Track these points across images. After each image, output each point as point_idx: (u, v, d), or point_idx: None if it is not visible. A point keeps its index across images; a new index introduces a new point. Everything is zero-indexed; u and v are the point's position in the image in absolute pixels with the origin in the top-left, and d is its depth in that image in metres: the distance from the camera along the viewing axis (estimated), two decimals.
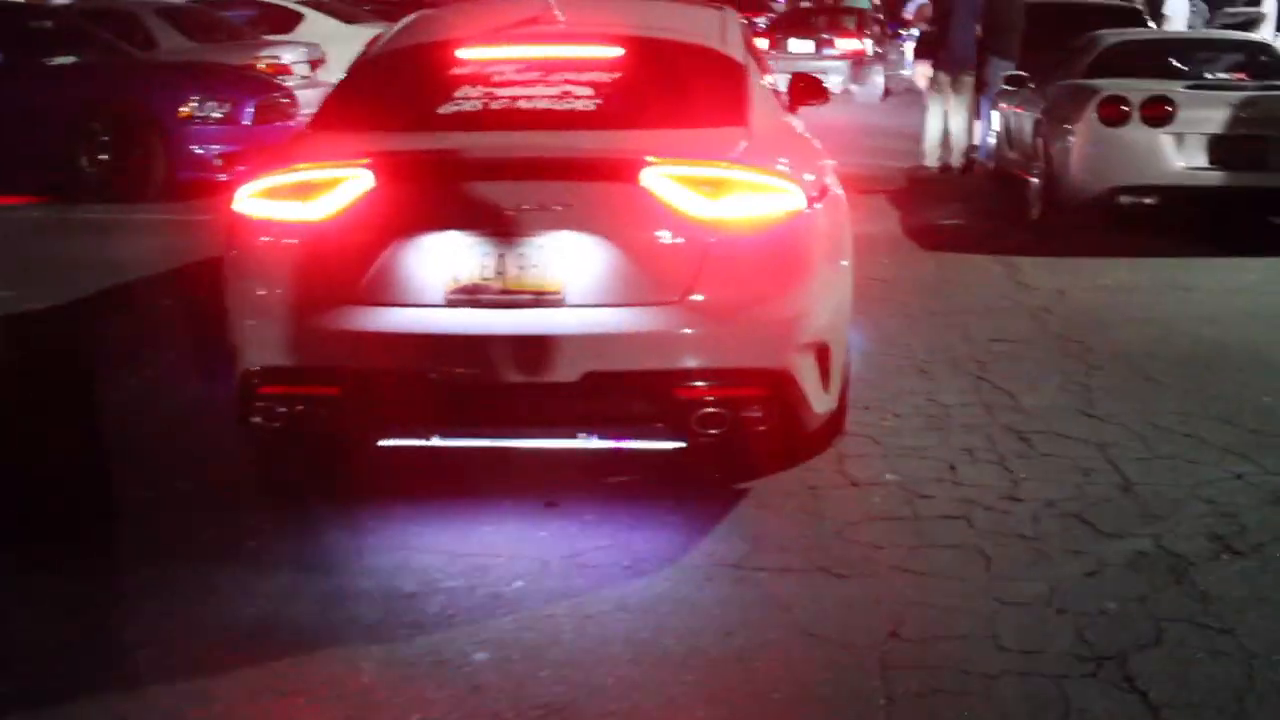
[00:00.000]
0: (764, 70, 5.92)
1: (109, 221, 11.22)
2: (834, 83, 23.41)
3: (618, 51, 5.41)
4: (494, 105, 5.17)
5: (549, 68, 5.32)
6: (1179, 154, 9.75)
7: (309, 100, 12.67)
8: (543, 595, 4.29)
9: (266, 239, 4.74)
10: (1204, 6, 26.96)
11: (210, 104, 12.37)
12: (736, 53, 5.59)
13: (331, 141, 5.06)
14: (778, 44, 24.76)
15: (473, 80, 5.29)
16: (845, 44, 24.77)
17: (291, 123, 12.45)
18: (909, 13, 27.23)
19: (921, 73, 21.17)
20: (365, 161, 4.66)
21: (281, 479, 5.39)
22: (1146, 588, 4.28)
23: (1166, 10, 24.11)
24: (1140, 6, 23.07)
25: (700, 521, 4.84)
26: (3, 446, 5.55)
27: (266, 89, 13.24)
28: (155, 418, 6.11)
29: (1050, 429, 5.77)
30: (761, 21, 28.59)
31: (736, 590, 4.30)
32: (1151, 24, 18.96)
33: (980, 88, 14.46)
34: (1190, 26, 23.79)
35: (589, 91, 5.16)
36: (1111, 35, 12.30)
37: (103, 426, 5.85)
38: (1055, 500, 4.98)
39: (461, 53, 5.49)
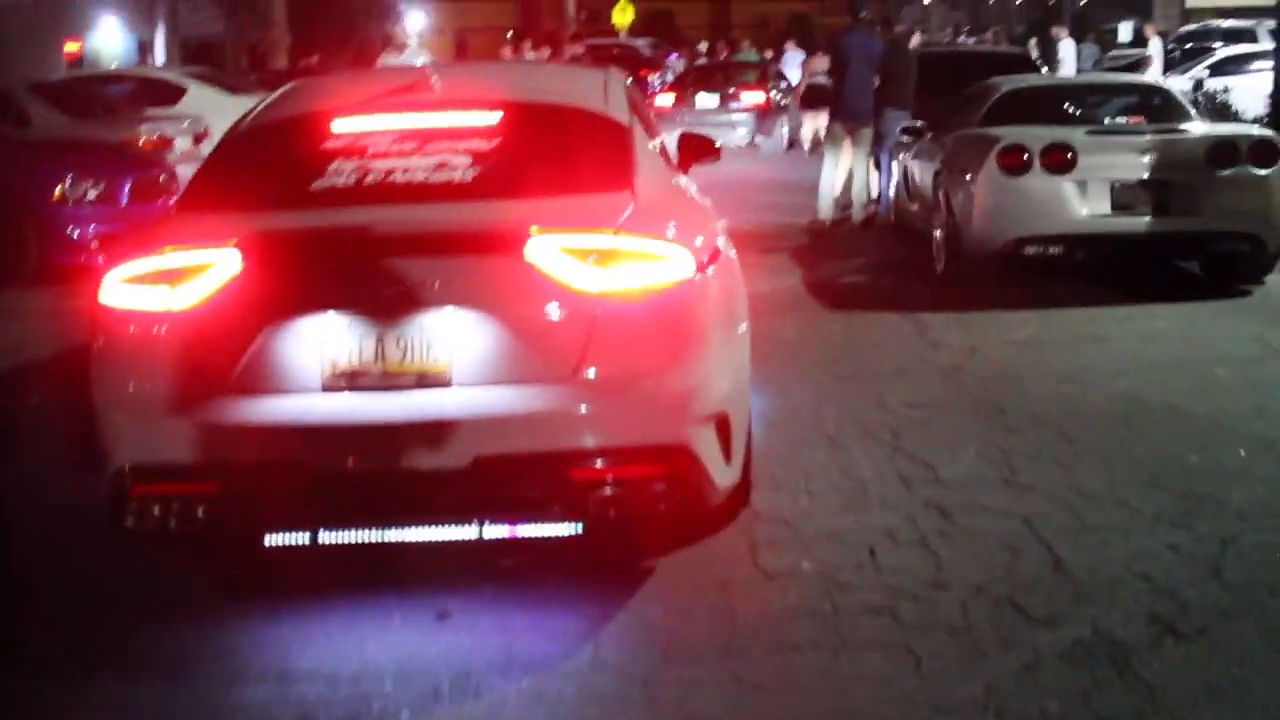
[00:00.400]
0: (650, 131, 5.70)
1: None
2: (740, 135, 23.43)
3: (496, 118, 5.17)
4: (369, 178, 4.88)
5: (426, 137, 5.07)
6: (1082, 201, 9.56)
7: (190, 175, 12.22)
8: None
9: (133, 328, 4.49)
10: (1096, 49, 27.31)
11: (84, 183, 11.83)
12: (620, 115, 5.35)
13: (198, 222, 4.76)
14: (684, 99, 24.75)
15: (346, 153, 5.02)
16: (750, 97, 24.80)
17: (172, 200, 11.96)
18: (785, 64, 27.39)
19: (809, 124, 21.28)
20: (232, 242, 4.41)
21: (154, 589, 4.97)
22: (1088, 681, 3.97)
23: (1061, 54, 24.40)
24: (1034, 51, 23.35)
25: (604, 626, 4.46)
26: None
27: (145, 166, 12.76)
28: (19, 522, 5.61)
29: (972, 502, 5.47)
30: (655, 80, 28.54)
31: (647, 712, 3.92)
32: (1045, 69, 19.07)
33: (877, 139, 14.31)
34: (1084, 69, 24.06)
35: (467, 161, 4.92)
36: (1007, 82, 12.17)
37: None
38: (984, 584, 4.66)
39: (334, 124, 5.21)
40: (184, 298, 4.39)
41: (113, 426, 4.50)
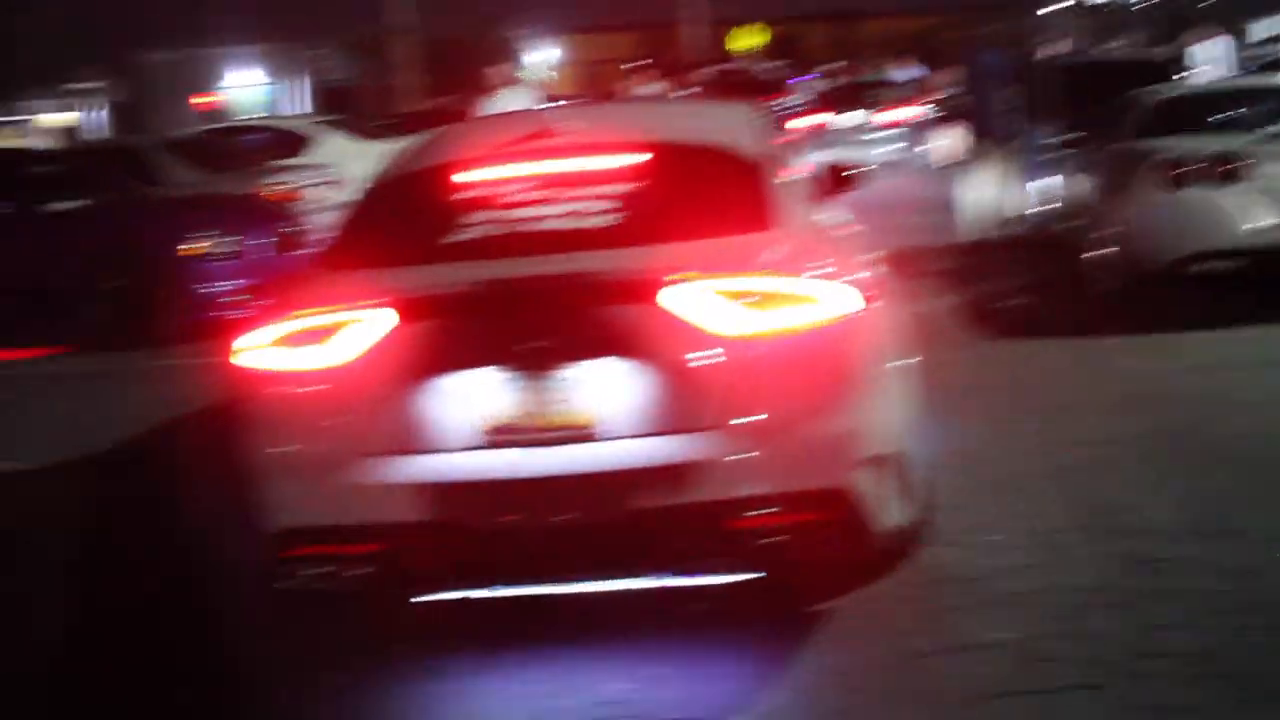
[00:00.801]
0: (788, 163, 5.52)
1: (122, 371, 10.68)
2: (885, 154, 22.90)
3: (636, 160, 5.04)
4: (513, 229, 4.80)
5: (568, 182, 4.98)
6: (1250, 212, 8.97)
7: (324, 225, 12.14)
8: None
9: (282, 390, 4.46)
10: (1234, 47, 26.33)
11: (219, 239, 11.79)
12: (758, 150, 5.22)
13: (343, 279, 4.71)
14: (827, 120, 24.35)
15: (489, 203, 4.95)
16: (893, 115, 24.30)
17: (306, 251, 11.79)
18: (896, 75, 26.87)
19: (950, 141, 20.71)
20: (380, 300, 4.36)
21: (300, 658, 4.81)
22: None
23: (1199, 58, 23.49)
24: (1169, 57, 22.49)
25: (774, 714, 4.07)
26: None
27: (278, 218, 12.65)
28: (172, 583, 5.52)
29: (1177, 554, 4.95)
30: (791, 102, 28.12)
31: None
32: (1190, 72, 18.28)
33: (1019, 155, 13.77)
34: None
35: (610, 206, 4.82)
36: (1158, 91, 11.59)
37: (98, 604, 5.39)
38: (1206, 653, 4.15)
39: (474, 174, 5.14)
40: (334, 357, 4.34)
41: (265, 489, 4.48)
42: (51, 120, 36.71)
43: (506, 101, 14.94)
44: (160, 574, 5.70)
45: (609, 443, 4.25)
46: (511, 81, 17.28)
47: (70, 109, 38.38)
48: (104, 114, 38.88)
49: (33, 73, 33.11)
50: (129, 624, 5.22)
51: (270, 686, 4.62)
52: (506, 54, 38.48)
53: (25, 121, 36.65)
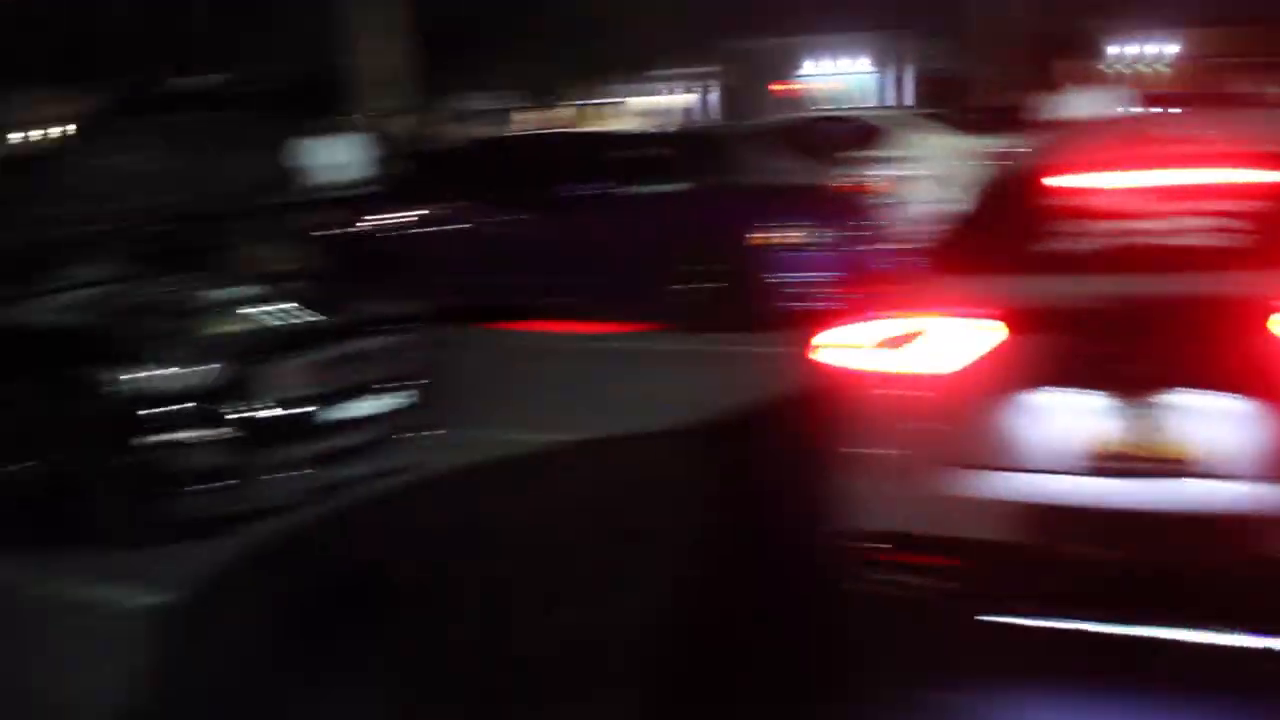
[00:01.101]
0: None
1: (696, 352, 10.98)
2: None
3: (1270, 175, 4.57)
4: (1132, 243, 4.49)
5: (1195, 195, 4.55)
6: None
7: (903, 221, 12.05)
8: None
9: (877, 390, 4.42)
10: None
11: (794, 229, 11.89)
12: None
13: (951, 284, 4.55)
14: None
15: (1107, 214, 4.63)
16: None
17: (882, 247, 11.72)
18: None
19: None
20: (993, 310, 4.25)
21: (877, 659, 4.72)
22: None
23: None
24: None
25: None
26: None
27: (855, 211, 12.61)
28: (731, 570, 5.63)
29: None
30: None
31: None
32: None
33: None
34: None
35: (1240, 224, 4.39)
36: None
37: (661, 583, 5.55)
38: None
39: (1093, 181, 4.81)
40: (936, 362, 4.29)
41: (852, 490, 4.47)
42: (645, 103, 38.58)
43: (1080, 102, 14.22)
44: (724, 558, 5.79)
45: (1222, 482, 3.98)
46: (1090, 79, 16.48)
47: (669, 92, 40.20)
48: (707, 98, 40.53)
49: (629, 56, 34.74)
50: (696, 607, 5.32)
51: (824, 689, 4.59)
52: (1086, 48, 36.78)
53: (620, 104, 38.63)
